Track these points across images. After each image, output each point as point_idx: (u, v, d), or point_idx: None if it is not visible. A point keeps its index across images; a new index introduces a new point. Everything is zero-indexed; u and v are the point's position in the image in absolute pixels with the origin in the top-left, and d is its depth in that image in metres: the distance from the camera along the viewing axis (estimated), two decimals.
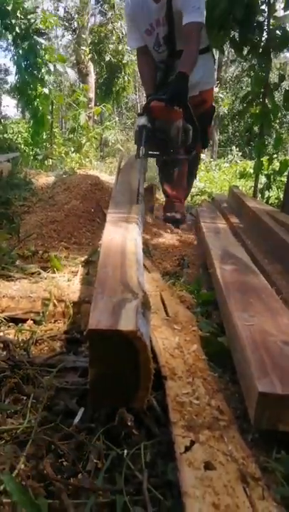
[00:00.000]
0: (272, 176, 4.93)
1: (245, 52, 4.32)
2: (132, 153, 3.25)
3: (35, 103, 8.43)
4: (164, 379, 1.09)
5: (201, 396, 1.03)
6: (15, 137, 11.30)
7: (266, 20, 4.25)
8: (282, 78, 4.43)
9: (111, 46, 12.76)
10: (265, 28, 4.24)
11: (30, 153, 8.38)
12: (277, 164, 4.94)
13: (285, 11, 4.09)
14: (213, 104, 3.43)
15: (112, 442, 0.95)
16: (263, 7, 4.28)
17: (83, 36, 12.30)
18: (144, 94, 3.58)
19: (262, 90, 4.42)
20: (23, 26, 8.12)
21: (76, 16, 13.19)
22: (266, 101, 4.40)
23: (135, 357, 0.94)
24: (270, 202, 5.13)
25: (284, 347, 1.10)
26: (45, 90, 8.41)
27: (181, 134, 2.82)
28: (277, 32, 4.21)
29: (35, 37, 8.16)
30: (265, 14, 4.27)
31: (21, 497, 0.76)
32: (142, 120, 2.72)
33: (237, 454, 0.87)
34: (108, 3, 13.25)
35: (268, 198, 5.40)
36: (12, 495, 0.77)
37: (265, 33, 4.27)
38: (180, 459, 0.83)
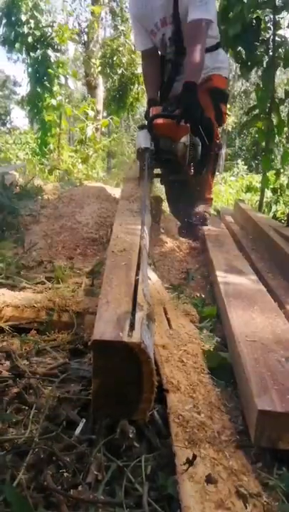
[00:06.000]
0: (279, 191, 4.94)
1: (250, 68, 4.40)
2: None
3: (44, 114, 8.49)
4: (166, 392, 1.09)
5: (202, 410, 1.03)
6: (22, 147, 11.41)
7: (271, 38, 4.31)
8: (287, 94, 4.47)
9: (124, 59, 12.81)
10: (270, 45, 4.31)
11: (38, 163, 8.42)
12: (284, 179, 4.94)
13: None
14: (227, 91, 3.19)
15: (113, 454, 0.95)
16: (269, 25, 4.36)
17: (93, 49, 12.42)
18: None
19: (268, 105, 4.46)
20: (36, 37, 8.20)
21: (87, 29, 13.29)
22: (272, 116, 4.44)
23: (138, 369, 0.95)
24: (276, 216, 5.13)
25: (285, 363, 1.10)
26: (54, 102, 8.48)
27: (189, 150, 2.53)
28: (280, 50, 4.29)
29: (47, 50, 8.23)
30: (271, 31, 4.34)
31: (21, 508, 0.77)
32: (143, 140, 2.57)
33: (238, 469, 0.86)
34: (121, 16, 13.38)
35: (275, 212, 5.41)
36: (12, 505, 0.77)
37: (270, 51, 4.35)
38: (181, 472, 0.83)
